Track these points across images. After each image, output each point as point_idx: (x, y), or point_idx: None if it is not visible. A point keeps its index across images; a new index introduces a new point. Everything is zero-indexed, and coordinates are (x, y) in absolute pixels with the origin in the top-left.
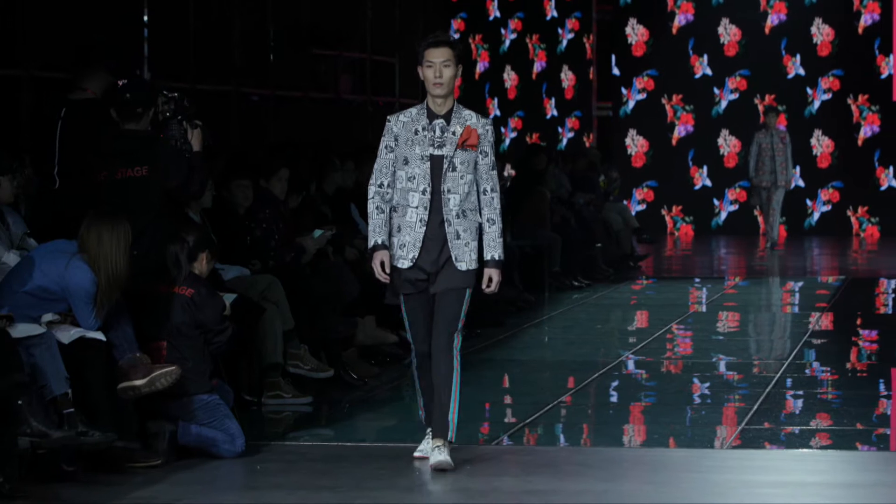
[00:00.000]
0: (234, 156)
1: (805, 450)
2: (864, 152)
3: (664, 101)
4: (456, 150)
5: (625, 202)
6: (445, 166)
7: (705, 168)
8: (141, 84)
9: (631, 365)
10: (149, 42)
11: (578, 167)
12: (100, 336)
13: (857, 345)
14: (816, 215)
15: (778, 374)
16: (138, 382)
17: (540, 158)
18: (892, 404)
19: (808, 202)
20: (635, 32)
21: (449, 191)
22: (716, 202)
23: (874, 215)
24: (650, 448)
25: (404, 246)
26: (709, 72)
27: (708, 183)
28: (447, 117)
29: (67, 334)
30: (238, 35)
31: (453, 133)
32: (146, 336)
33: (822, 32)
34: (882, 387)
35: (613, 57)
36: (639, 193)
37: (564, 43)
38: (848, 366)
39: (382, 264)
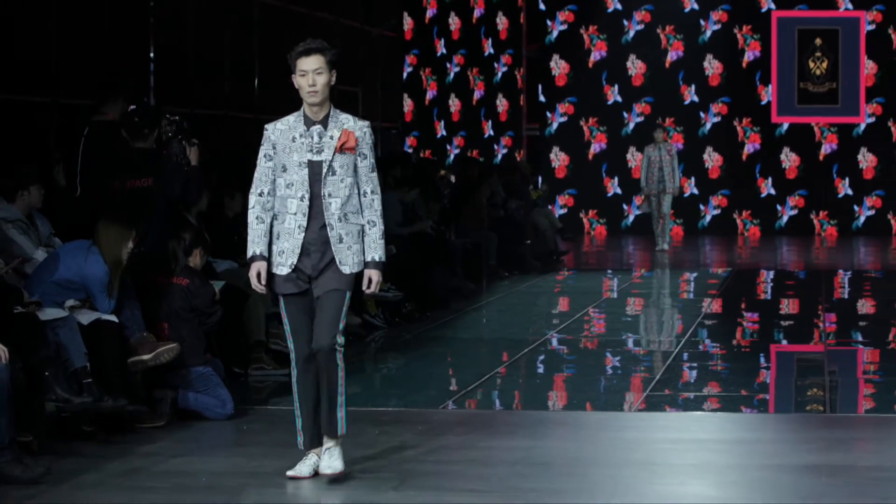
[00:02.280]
0: (224, 171)
1: (699, 412)
2: (748, 166)
3: (582, 123)
4: (335, 153)
5: (550, 207)
6: (325, 171)
7: (616, 178)
8: (147, 109)
9: (555, 342)
10: (154, 74)
11: (511, 178)
12: (113, 318)
13: (742, 325)
14: (708, 218)
15: (676, 350)
16: (145, 357)
17: (472, 169)
18: (770, 374)
19: (702, 207)
20: (558, 66)
21: (330, 195)
22: (625, 207)
23: (756, 218)
24: (571, 411)
25: (283, 253)
26: (619, 99)
27: (618, 191)
28: (324, 123)
29: (86, 317)
30: (229, 67)
31: (331, 137)
32: (151, 318)
33: (712, 66)
34: (762, 360)
35: (540, 86)
36: (561, 199)
37: (499, 75)
38: (734, 342)
39: (259, 275)
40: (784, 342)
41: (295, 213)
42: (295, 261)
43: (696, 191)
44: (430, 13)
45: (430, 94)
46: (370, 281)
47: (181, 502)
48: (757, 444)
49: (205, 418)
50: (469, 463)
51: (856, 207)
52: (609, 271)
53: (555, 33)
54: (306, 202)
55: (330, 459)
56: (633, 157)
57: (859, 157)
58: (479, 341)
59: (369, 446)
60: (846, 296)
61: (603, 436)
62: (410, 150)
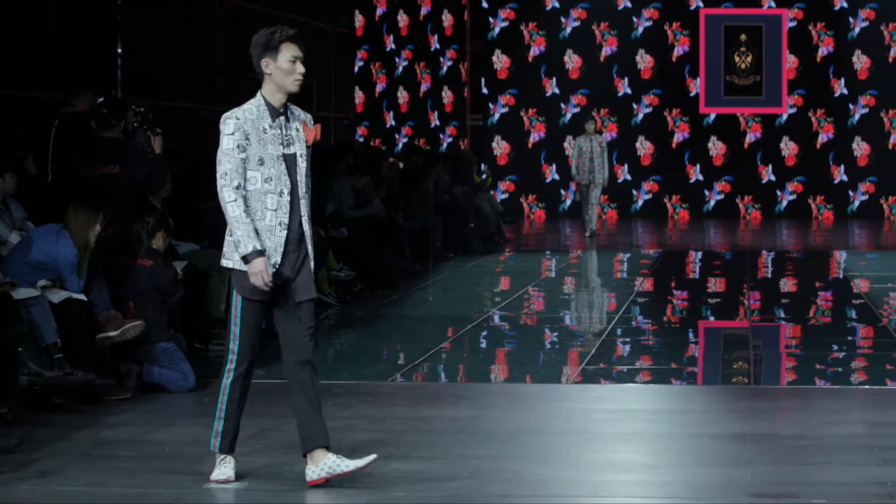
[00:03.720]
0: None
1: (631, 384)
2: (677, 153)
3: (522, 113)
4: (307, 147)
5: (492, 192)
6: (300, 164)
7: (554, 166)
8: (115, 101)
9: (497, 318)
10: (121, 68)
11: (456, 165)
12: (82, 297)
13: (672, 302)
14: (640, 202)
15: (610, 325)
16: (112, 333)
17: (417, 156)
18: (698, 348)
19: (634, 192)
20: (500, 60)
21: (304, 190)
22: (562, 192)
23: (685, 202)
24: (511, 383)
25: (264, 252)
26: (557, 91)
27: (556, 177)
28: (285, 114)
29: (57, 296)
30: (192, 63)
31: (296, 129)
32: (118, 297)
33: (644, 60)
34: (691, 335)
35: (483, 79)
36: (503, 185)
37: (445, 69)
38: (665, 318)
39: (263, 273)
40: (711, 318)
41: (276, 210)
42: (279, 260)
43: (629, 177)
44: (380, 11)
45: (379, 87)
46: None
47: (145, 469)
48: (686, 413)
49: (168, 391)
50: (416, 432)
51: (778, 192)
52: (547, 252)
53: (497, 30)
54: (287, 197)
55: (349, 461)
56: (570, 146)
57: (782, 145)
58: (426, 318)
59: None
60: (769, 275)
61: (541, 406)
62: (361, 140)
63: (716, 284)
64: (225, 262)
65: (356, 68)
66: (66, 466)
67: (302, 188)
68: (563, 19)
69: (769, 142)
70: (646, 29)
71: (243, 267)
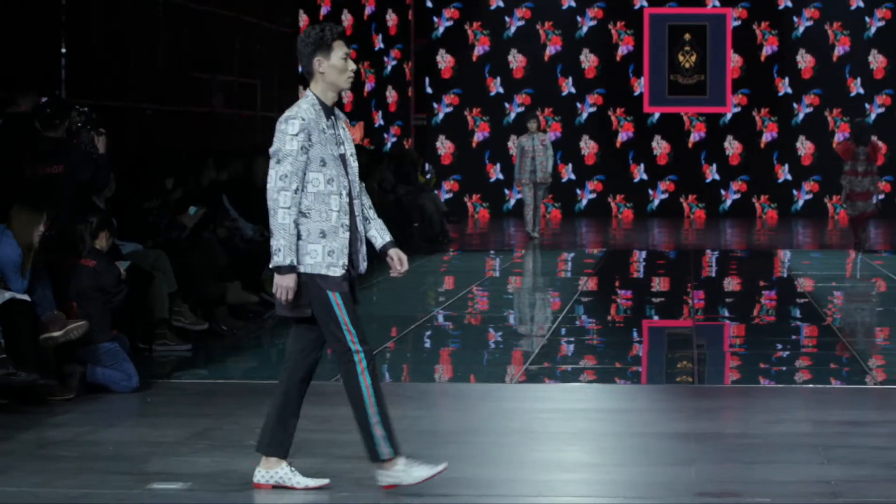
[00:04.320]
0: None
1: (575, 383)
2: (622, 153)
3: (466, 113)
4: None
5: (436, 192)
6: (352, 164)
7: (498, 165)
8: (59, 101)
9: (441, 318)
10: (66, 68)
11: (400, 165)
12: (25, 297)
13: (616, 302)
14: (584, 201)
15: (554, 325)
16: (56, 334)
17: (362, 157)
18: (642, 348)
19: (578, 191)
20: (444, 60)
21: (358, 190)
22: (506, 192)
23: (629, 201)
24: (456, 383)
25: (333, 252)
26: (501, 90)
27: (500, 177)
28: (333, 113)
29: (0, 296)
30: (134, 61)
31: (343, 129)
32: (61, 297)
33: (588, 60)
34: (635, 334)
35: (427, 79)
36: (447, 185)
37: (389, 68)
38: (609, 318)
39: (291, 289)
40: (655, 318)
41: (338, 211)
42: (346, 261)
43: (573, 176)
44: (324, 10)
45: None
46: (402, 260)
47: (89, 470)
48: (630, 413)
49: (112, 391)
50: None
51: (722, 191)
52: (492, 252)
53: (441, 29)
54: (346, 198)
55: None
56: (514, 146)
57: (726, 144)
58: (370, 318)
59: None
60: (713, 274)
61: (486, 406)
62: None
63: (660, 284)
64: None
65: (300, 68)
66: (10, 467)
67: (356, 188)
68: (507, 19)
69: (713, 141)
70: (590, 28)
71: (324, 270)
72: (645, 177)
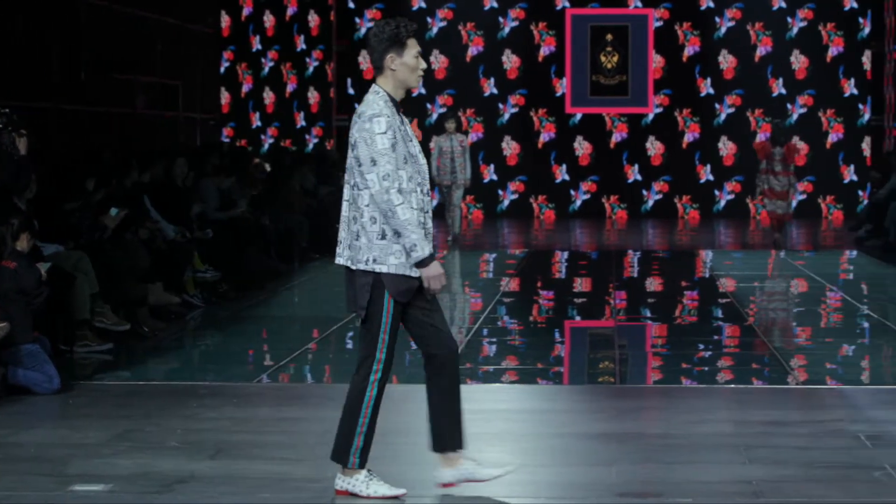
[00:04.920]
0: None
1: (497, 384)
2: (543, 153)
3: None
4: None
5: None
6: (422, 160)
7: None
8: None
9: None
10: None
11: (322, 166)
12: None
13: (538, 302)
14: (506, 202)
15: (476, 325)
16: None
17: (284, 158)
18: (564, 348)
19: (500, 192)
20: (366, 61)
21: (428, 187)
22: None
23: (551, 202)
24: None
25: None
26: (423, 91)
27: None
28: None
29: None
30: (57, 62)
31: (408, 125)
32: None
33: (510, 60)
34: (557, 335)
35: (349, 80)
36: None
37: (311, 69)
38: (531, 318)
39: (442, 275)
40: (577, 318)
41: (418, 209)
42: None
43: (494, 177)
44: (246, 11)
45: (245, 88)
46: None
47: (10, 471)
48: (552, 413)
49: (33, 393)
50: (281, 433)
51: (644, 192)
52: None
53: (363, 30)
54: (423, 195)
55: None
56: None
57: (648, 145)
58: (292, 319)
59: (189, 418)
60: (635, 274)
61: (408, 407)
62: (227, 140)
63: (582, 284)
64: (378, 268)
65: (222, 69)
66: None
67: (427, 184)
68: (429, 19)
69: (635, 141)
70: (512, 29)
71: (400, 270)
72: (567, 177)
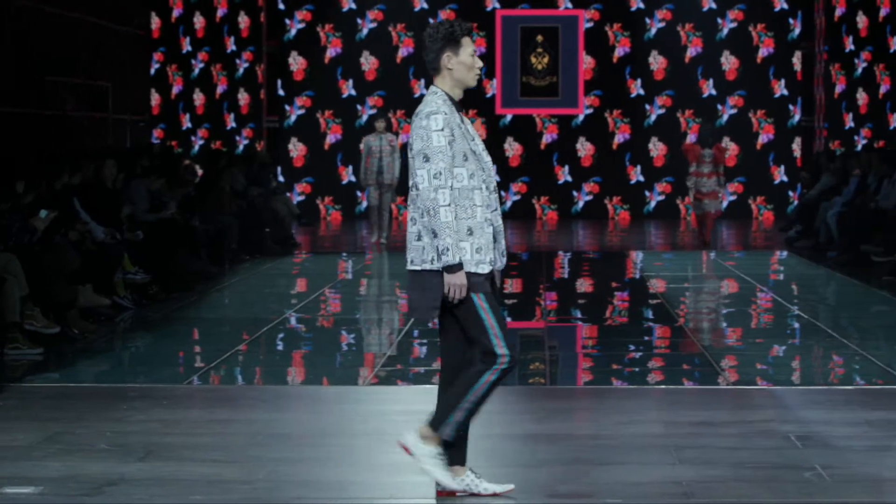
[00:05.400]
0: None
1: (428, 385)
2: None
3: (318, 115)
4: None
5: (288, 194)
6: (486, 158)
7: (350, 167)
8: None
9: (293, 320)
10: None
11: (252, 167)
12: None
13: None
14: None
15: (406, 327)
16: None
17: (218, 159)
18: None
19: None
20: (296, 62)
21: (494, 185)
22: (358, 194)
23: None
24: (308, 385)
25: (481, 249)
26: (353, 92)
27: (353, 179)
28: (460, 108)
29: None
30: None
31: (470, 124)
32: None
33: None
34: None
35: (279, 81)
36: (299, 187)
37: (241, 70)
38: None
39: (464, 286)
40: (508, 319)
41: (482, 206)
42: (493, 256)
43: None
44: (176, 13)
45: (175, 89)
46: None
47: None
48: (482, 414)
49: None
50: (212, 435)
51: (575, 193)
52: (344, 254)
53: (293, 31)
54: (485, 193)
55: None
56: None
57: (578, 146)
58: (222, 320)
59: (118, 420)
60: (566, 275)
61: (338, 408)
62: (157, 142)
63: (512, 285)
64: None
65: (152, 70)
66: None
67: (492, 182)
68: (359, 21)
69: (565, 142)
70: None
71: (473, 268)
72: (497, 178)
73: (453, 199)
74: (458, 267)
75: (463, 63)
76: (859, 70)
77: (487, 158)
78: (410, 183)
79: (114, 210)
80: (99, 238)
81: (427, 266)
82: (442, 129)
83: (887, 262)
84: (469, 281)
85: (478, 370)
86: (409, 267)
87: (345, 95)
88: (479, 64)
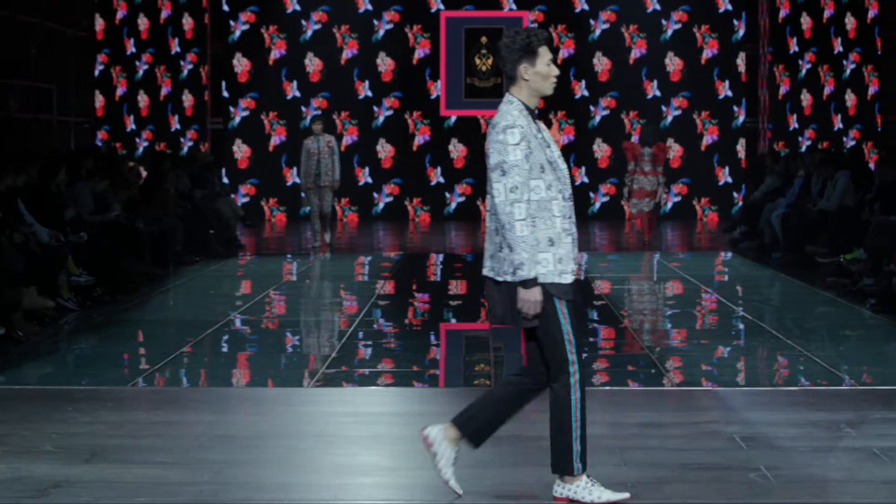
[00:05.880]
0: None
1: (373, 387)
2: (419, 156)
3: (263, 117)
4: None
5: (232, 196)
6: (562, 166)
7: (295, 169)
8: None
9: (238, 322)
10: None
11: (196, 169)
12: None
13: (414, 305)
14: (381, 205)
15: (351, 328)
16: None
17: (164, 162)
18: (440, 351)
19: (375, 195)
20: (240, 64)
21: (570, 193)
22: (303, 195)
23: (426, 204)
24: (253, 387)
25: (562, 259)
26: (298, 94)
27: (297, 180)
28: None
29: None
30: None
31: (545, 132)
32: None
33: (385, 63)
34: (433, 338)
35: (224, 83)
36: (244, 189)
37: (185, 72)
38: (406, 321)
39: (539, 302)
40: (453, 321)
41: (561, 216)
42: (574, 266)
43: (370, 180)
44: (120, 14)
45: (120, 91)
46: None
47: None
48: (428, 416)
49: None
50: (156, 437)
51: None
52: (289, 256)
53: (237, 33)
54: (563, 202)
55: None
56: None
57: None
58: (167, 322)
59: (63, 422)
60: None
61: (282, 410)
62: (101, 144)
63: (457, 287)
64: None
65: (96, 72)
66: None
67: (569, 191)
68: (304, 22)
69: None
70: (387, 31)
71: (549, 279)
72: (442, 180)
73: (531, 212)
74: (533, 282)
75: (539, 73)
76: (803, 71)
77: (563, 166)
78: (490, 193)
79: (58, 212)
80: (43, 240)
81: (508, 278)
82: (518, 143)
83: (831, 263)
84: (554, 290)
85: (562, 398)
86: (487, 274)
87: (289, 97)
88: (556, 72)
